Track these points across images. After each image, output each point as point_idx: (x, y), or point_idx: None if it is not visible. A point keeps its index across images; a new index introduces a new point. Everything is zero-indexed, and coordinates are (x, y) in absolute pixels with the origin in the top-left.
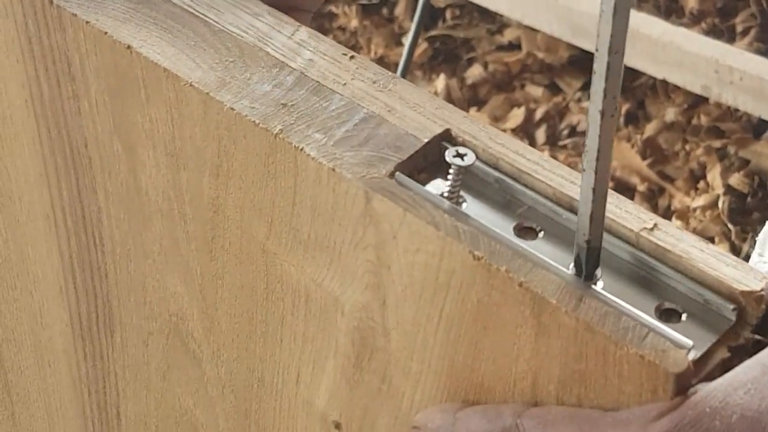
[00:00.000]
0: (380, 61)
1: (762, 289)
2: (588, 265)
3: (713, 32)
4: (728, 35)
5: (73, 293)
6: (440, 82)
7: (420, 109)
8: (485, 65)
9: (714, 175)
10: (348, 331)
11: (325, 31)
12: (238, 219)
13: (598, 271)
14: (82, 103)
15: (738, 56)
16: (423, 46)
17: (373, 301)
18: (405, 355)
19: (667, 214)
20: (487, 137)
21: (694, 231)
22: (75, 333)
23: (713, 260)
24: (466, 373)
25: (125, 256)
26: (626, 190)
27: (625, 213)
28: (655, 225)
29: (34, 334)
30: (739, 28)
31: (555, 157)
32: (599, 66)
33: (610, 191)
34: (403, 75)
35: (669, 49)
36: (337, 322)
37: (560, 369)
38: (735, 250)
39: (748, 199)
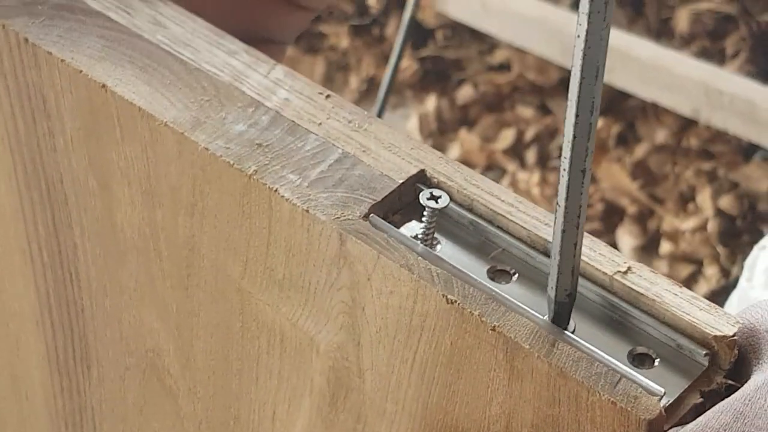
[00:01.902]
0: (371, 81)
1: (734, 334)
2: (561, 313)
3: (703, 55)
4: (718, 58)
5: (49, 327)
6: (430, 102)
7: (395, 150)
8: (476, 86)
9: (704, 198)
10: (323, 370)
11: (315, 51)
12: (213, 258)
13: (572, 317)
14: (57, 140)
15: (728, 79)
16: (413, 66)
17: (347, 342)
18: (380, 395)
19: (656, 236)
20: (462, 178)
21: (684, 253)
22: (52, 366)
23: (686, 304)
24: (441, 415)
25: (101, 292)
26: (616, 211)
27: (599, 256)
28: (629, 268)
29: (12, 366)
30: (729, 51)
31: (545, 179)
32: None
33: (584, 234)
34: (387, 94)
35: (659, 72)
36: (312, 361)
37: (533, 413)
38: (724, 273)
39: (738, 221)
